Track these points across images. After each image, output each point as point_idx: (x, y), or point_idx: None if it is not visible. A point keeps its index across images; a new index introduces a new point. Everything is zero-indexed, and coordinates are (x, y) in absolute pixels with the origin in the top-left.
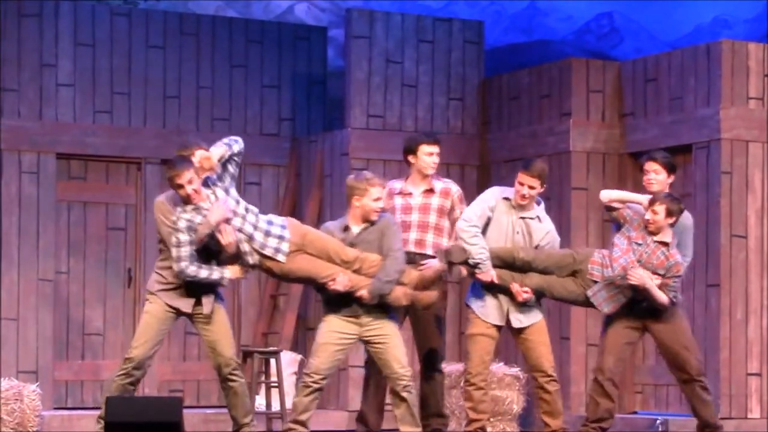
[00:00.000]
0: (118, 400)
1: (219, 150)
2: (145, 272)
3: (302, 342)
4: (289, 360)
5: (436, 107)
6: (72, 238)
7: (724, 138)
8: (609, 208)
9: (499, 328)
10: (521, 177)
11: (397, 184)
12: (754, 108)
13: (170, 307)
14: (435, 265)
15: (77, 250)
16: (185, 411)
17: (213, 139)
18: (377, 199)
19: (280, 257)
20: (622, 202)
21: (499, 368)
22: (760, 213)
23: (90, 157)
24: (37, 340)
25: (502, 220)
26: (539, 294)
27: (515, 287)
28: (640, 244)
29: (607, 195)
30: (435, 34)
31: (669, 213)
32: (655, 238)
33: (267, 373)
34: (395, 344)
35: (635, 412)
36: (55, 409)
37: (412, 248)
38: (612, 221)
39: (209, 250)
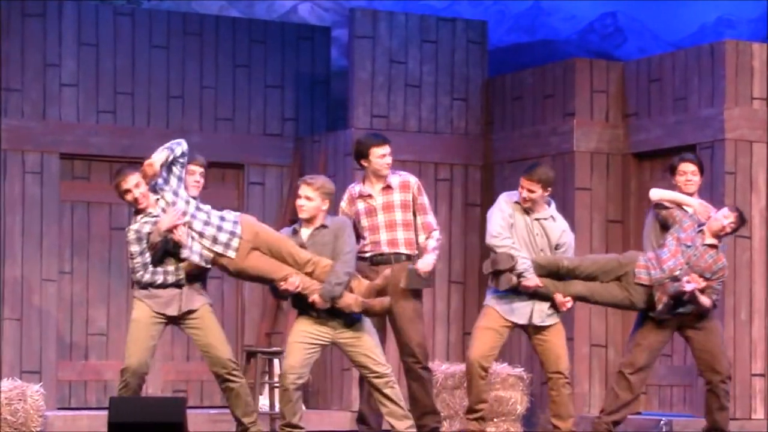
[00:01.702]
0: (121, 401)
1: (160, 155)
2: None
3: None
4: None
5: (439, 107)
6: (75, 238)
7: (728, 138)
8: (659, 206)
9: (512, 327)
10: (522, 180)
11: (356, 188)
12: (758, 108)
13: (157, 313)
14: (385, 273)
15: (81, 250)
16: (188, 411)
17: (216, 140)
18: (298, 197)
19: (230, 253)
20: (673, 203)
21: (503, 368)
22: (764, 213)
23: (93, 157)
24: (40, 340)
25: (519, 225)
26: (581, 301)
27: (559, 298)
28: (689, 246)
29: (659, 194)
30: (438, 34)
31: (737, 228)
32: (706, 242)
33: (270, 374)
34: (368, 344)
35: (639, 413)
36: (59, 409)
37: (385, 249)
38: (660, 220)
39: (170, 252)
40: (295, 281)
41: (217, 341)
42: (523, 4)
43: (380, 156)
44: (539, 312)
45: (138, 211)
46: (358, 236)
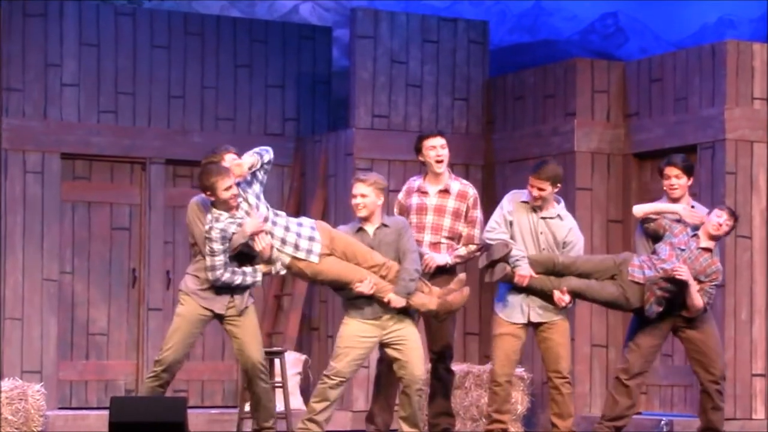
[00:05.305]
0: (122, 401)
1: (251, 159)
2: (149, 272)
3: (306, 342)
4: (293, 360)
5: (440, 107)
6: (76, 238)
7: (728, 138)
8: (646, 221)
9: (524, 327)
10: (531, 179)
11: (416, 182)
12: (758, 108)
13: (204, 308)
14: (460, 276)
15: (81, 250)
16: (189, 411)
17: (217, 139)
18: (353, 196)
19: (313, 258)
20: (657, 213)
21: None
22: (765, 213)
23: (94, 157)
24: (41, 339)
25: (523, 223)
26: (576, 296)
27: (557, 294)
28: (683, 250)
29: (641, 210)
30: (440, 34)
31: (733, 225)
32: (701, 245)
33: (271, 374)
34: (415, 347)
35: (640, 413)
36: (60, 409)
37: (425, 250)
38: (650, 234)
39: (243, 254)
40: (370, 282)
41: (253, 342)
42: (525, 4)
43: (430, 147)
44: (536, 309)
45: (213, 204)
46: None
